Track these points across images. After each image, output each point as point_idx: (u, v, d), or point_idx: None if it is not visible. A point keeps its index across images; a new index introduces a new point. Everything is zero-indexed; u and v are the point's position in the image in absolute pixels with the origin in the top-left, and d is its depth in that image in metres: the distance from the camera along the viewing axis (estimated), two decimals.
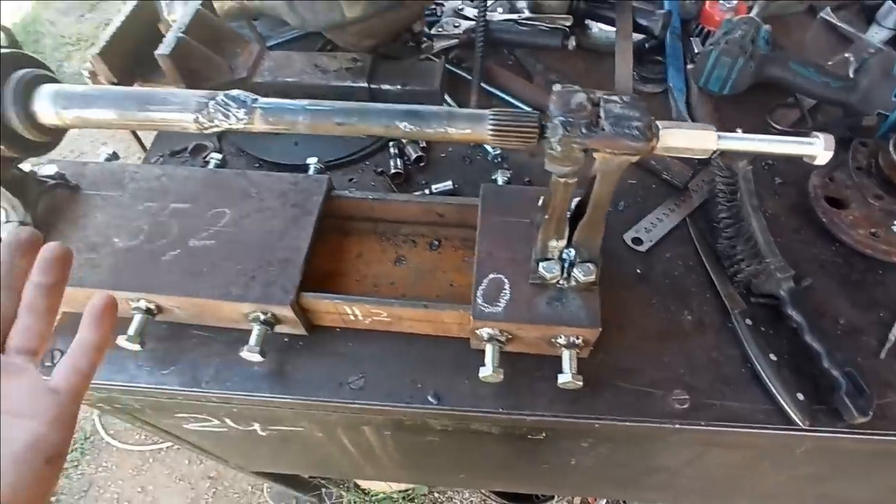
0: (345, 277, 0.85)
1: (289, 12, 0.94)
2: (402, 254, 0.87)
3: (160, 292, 0.74)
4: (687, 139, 0.55)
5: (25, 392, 0.42)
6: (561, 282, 0.71)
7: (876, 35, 1.16)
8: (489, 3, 1.13)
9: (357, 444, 0.99)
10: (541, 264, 0.70)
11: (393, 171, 0.94)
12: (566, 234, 0.69)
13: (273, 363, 0.78)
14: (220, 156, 0.92)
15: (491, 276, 0.73)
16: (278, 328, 0.78)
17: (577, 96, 0.55)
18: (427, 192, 0.93)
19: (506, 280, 0.73)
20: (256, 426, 0.93)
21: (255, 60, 1.03)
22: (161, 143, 1.05)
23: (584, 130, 0.52)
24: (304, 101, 0.57)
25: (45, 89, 0.59)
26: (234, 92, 0.57)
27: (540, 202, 0.75)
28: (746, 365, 0.77)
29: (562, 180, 0.60)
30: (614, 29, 1.14)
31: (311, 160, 0.90)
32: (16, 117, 0.58)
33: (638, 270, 0.86)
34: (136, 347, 0.75)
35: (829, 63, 1.11)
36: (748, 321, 0.79)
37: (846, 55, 1.10)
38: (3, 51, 0.59)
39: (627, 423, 0.74)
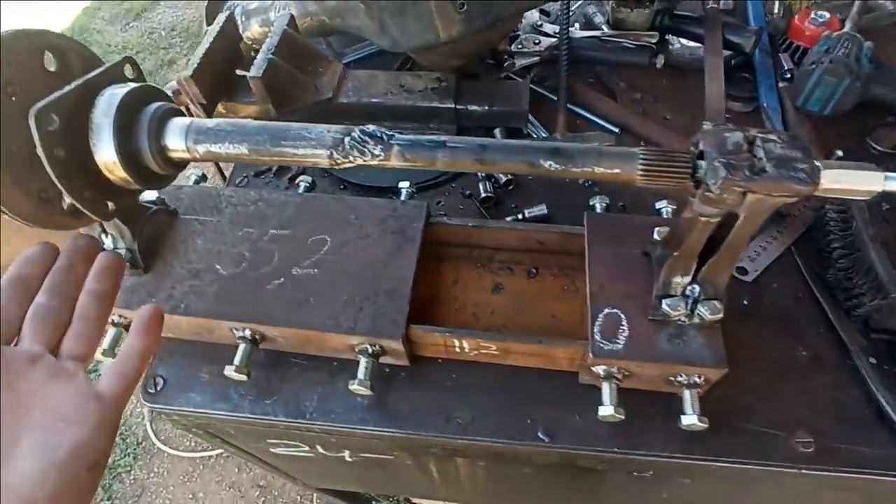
0: (444, 305, 0.83)
1: (379, 33, 0.93)
2: (499, 281, 0.85)
3: (268, 323, 0.73)
4: (850, 181, 0.52)
5: (73, 397, 0.43)
6: (682, 319, 0.68)
7: None
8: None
9: (444, 471, 0.98)
10: (664, 301, 0.67)
11: (483, 195, 0.93)
12: (693, 270, 0.66)
13: (377, 394, 0.76)
14: (309, 179, 0.92)
15: (606, 310, 0.71)
16: (381, 359, 0.76)
17: (734, 135, 0.52)
18: (520, 216, 0.91)
19: (622, 315, 0.71)
20: (346, 453, 0.92)
21: (339, 80, 1.02)
22: (243, 167, 1.04)
23: (747, 173, 0.50)
24: (444, 137, 0.55)
25: (176, 123, 0.59)
26: (370, 128, 0.56)
27: (657, 235, 0.72)
28: (871, 405, 0.74)
29: (703, 219, 0.57)
30: (695, 44, 1.11)
31: (403, 184, 0.89)
32: (147, 151, 0.57)
33: (745, 302, 0.83)
34: (243, 378, 0.74)
35: None
36: (871, 360, 0.75)
37: None
38: (134, 85, 0.58)
39: (749, 466, 0.71)
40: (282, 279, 0.76)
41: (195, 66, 0.93)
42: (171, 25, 3.36)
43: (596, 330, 0.69)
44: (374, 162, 0.56)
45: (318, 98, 0.98)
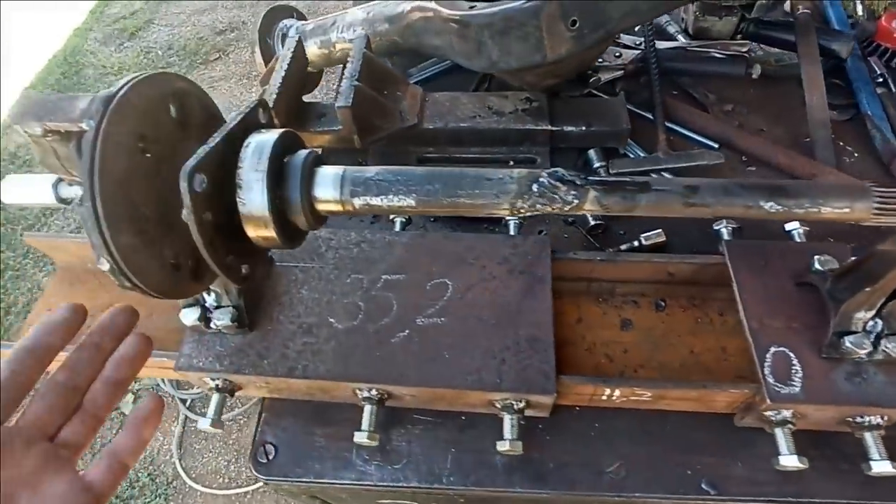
0: (572, 347, 0.77)
1: (472, 54, 0.86)
2: (626, 317, 0.79)
3: (399, 383, 0.66)
4: None
5: (62, 488, 0.41)
6: (863, 356, 0.63)
7: None
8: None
9: None
10: (846, 339, 0.62)
11: (592, 222, 0.86)
12: (878, 304, 0.60)
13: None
14: (400, 220, 0.85)
15: (773, 349, 0.65)
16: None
17: None
18: (636, 243, 0.85)
19: (791, 354, 0.65)
20: None
21: (420, 104, 0.95)
22: None
23: None
24: (647, 179, 0.49)
25: (327, 173, 0.52)
26: (559, 171, 0.49)
27: (819, 265, 0.67)
28: None
29: None
30: (778, 51, 1.07)
31: (511, 218, 0.82)
32: (298, 205, 0.50)
33: None
34: (374, 444, 0.67)
35: None
36: None
37: None
38: (278, 132, 0.51)
39: None
40: (406, 331, 0.69)
41: (274, 97, 0.86)
42: (167, 44, 3.24)
43: (767, 372, 0.64)
44: (565, 209, 0.49)
45: (403, 125, 0.92)
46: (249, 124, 0.52)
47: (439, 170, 0.51)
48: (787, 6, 1.10)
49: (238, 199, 0.48)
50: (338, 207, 0.51)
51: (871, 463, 0.62)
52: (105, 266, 0.46)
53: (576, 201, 0.49)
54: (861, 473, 0.65)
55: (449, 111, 0.95)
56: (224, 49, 3.18)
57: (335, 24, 1.07)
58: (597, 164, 0.93)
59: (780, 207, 0.48)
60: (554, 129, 0.92)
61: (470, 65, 0.90)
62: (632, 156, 0.96)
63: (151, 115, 0.48)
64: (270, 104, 0.85)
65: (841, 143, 0.97)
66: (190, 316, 0.68)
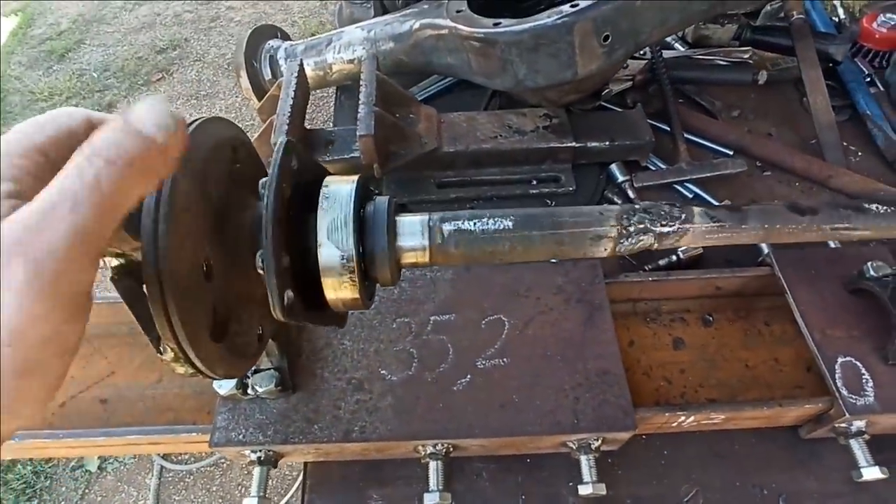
0: (630, 373, 0.74)
1: (495, 73, 0.82)
2: (676, 335, 0.77)
3: (469, 435, 0.61)
4: None
5: None
6: None
7: None
8: None
9: None
10: None
11: None
12: None
13: None
14: None
15: (840, 359, 0.65)
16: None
17: None
18: (674, 257, 0.83)
19: (858, 363, 0.65)
20: None
21: (437, 126, 0.90)
22: None
23: None
24: (756, 207, 0.47)
25: (411, 221, 0.46)
26: (652, 205, 0.46)
27: (873, 271, 0.67)
28: None
29: None
30: (776, 56, 1.09)
31: None
32: (384, 259, 0.44)
33: None
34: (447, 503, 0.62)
35: None
36: None
37: None
38: (355, 178, 0.45)
39: None
40: (468, 376, 0.64)
41: (286, 128, 0.79)
42: (102, 66, 3.02)
43: (840, 384, 0.63)
44: (675, 227, 0.46)
45: (423, 150, 0.86)
46: (289, 169, 0.45)
47: (534, 211, 0.47)
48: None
49: (320, 261, 0.42)
50: (425, 258, 0.46)
51: None
52: (168, 355, 0.39)
53: (684, 225, 0.46)
54: None
55: (467, 132, 0.90)
56: (167, 68, 2.99)
57: (331, 45, 1.00)
58: (621, 179, 0.91)
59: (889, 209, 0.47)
60: (578, 145, 0.89)
61: (490, 83, 0.86)
62: (653, 168, 0.95)
63: (213, 164, 0.41)
64: (284, 137, 0.77)
65: (844, 144, 1.00)
66: (226, 384, 0.60)
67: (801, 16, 1.03)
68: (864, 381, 0.63)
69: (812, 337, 0.66)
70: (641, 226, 0.46)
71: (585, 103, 1.02)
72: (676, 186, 0.92)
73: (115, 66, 3.02)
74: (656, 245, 0.46)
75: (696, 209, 0.47)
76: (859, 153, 0.99)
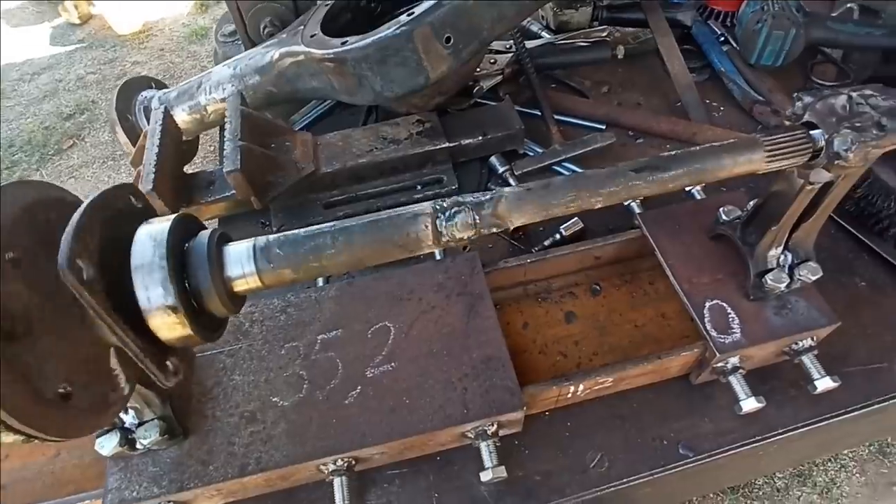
0: (526, 354, 0.76)
1: (354, 90, 0.84)
2: (568, 310, 0.80)
3: (366, 445, 0.61)
4: None
5: None
6: (783, 288, 0.68)
7: None
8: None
9: None
10: (766, 277, 0.66)
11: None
12: (785, 238, 0.65)
13: None
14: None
15: (707, 304, 0.69)
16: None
17: (837, 100, 0.52)
18: (557, 236, 0.86)
19: (724, 304, 0.68)
20: None
21: (313, 149, 0.91)
22: None
23: (875, 132, 0.49)
24: (559, 179, 0.49)
25: (236, 249, 0.47)
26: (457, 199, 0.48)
27: (725, 216, 0.71)
28: None
29: (810, 187, 0.57)
30: (632, 29, 1.15)
31: None
32: (211, 291, 0.45)
33: None
34: None
35: (834, 14, 1.19)
36: None
37: (849, 5, 1.17)
38: (170, 218, 0.45)
39: (875, 406, 0.72)
40: (358, 388, 0.65)
41: (152, 176, 0.78)
42: (8, 141, 2.91)
43: (709, 327, 0.66)
44: (488, 210, 0.48)
45: (300, 175, 0.87)
46: (118, 212, 0.46)
47: (355, 219, 0.48)
48: None
49: (140, 302, 0.42)
50: (257, 283, 0.47)
51: (815, 382, 0.66)
52: None
53: (490, 207, 0.48)
54: (808, 395, 0.70)
55: (344, 150, 0.92)
56: (77, 134, 2.91)
57: (202, 87, 1.00)
58: (501, 170, 0.94)
59: (688, 171, 0.50)
60: (452, 144, 0.92)
61: (353, 100, 0.88)
62: (531, 154, 0.98)
63: (19, 228, 0.41)
64: (150, 185, 0.77)
65: (707, 101, 1.06)
66: (108, 444, 0.59)
67: None
68: (730, 319, 0.67)
69: (681, 287, 0.70)
70: (453, 199, 0.48)
71: (460, 103, 1.05)
72: (555, 168, 0.96)
73: (20, 140, 2.92)
74: (478, 220, 0.48)
75: (506, 190, 0.49)
76: (721, 108, 1.05)
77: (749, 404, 0.65)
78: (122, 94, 1.04)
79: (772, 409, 0.71)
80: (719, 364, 0.67)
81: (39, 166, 2.84)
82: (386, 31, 0.76)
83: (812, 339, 0.68)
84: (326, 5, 0.96)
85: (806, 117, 0.53)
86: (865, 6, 1.17)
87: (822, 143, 0.52)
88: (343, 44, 0.80)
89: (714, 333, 0.66)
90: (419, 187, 0.94)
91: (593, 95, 1.06)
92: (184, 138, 1.00)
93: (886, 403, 0.71)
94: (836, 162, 0.51)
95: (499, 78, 1.06)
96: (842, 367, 0.74)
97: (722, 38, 1.14)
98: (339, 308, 0.72)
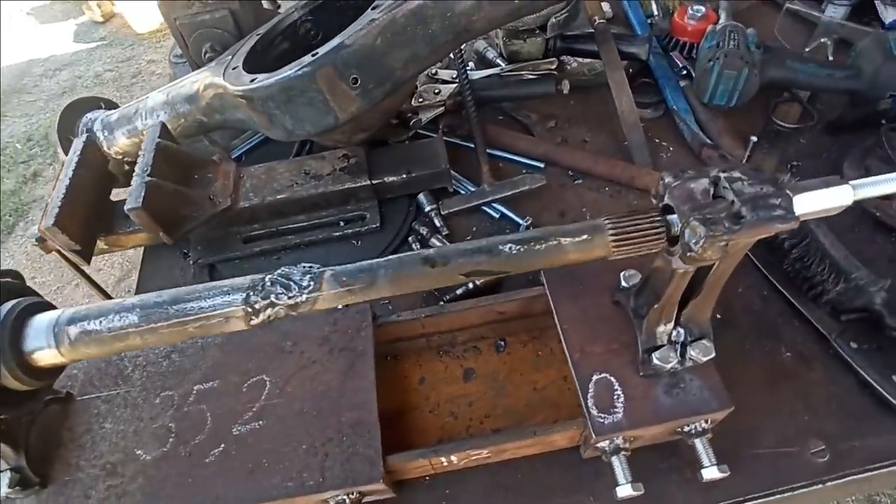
0: (416, 411, 0.74)
1: (268, 126, 0.83)
2: (468, 366, 0.77)
3: None
4: (822, 202, 0.48)
5: None
6: (675, 366, 0.63)
7: (834, 13, 1.17)
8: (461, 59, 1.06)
9: None
10: (654, 355, 0.61)
11: None
12: (674, 315, 0.61)
13: None
14: None
15: (595, 377, 0.65)
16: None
17: (699, 183, 0.47)
18: (470, 285, 0.83)
19: (612, 379, 0.64)
20: None
21: (234, 182, 0.91)
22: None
23: (727, 225, 0.45)
24: (391, 261, 0.46)
25: (40, 322, 0.46)
26: (284, 274, 0.46)
27: (624, 281, 0.67)
28: (866, 392, 0.72)
29: (682, 270, 0.52)
30: (589, 60, 1.10)
31: None
32: (3, 368, 0.44)
33: (718, 316, 0.79)
34: None
35: (807, 50, 1.11)
36: (852, 343, 0.74)
37: (822, 40, 1.10)
38: None
39: (775, 497, 0.66)
40: (221, 445, 0.64)
41: (56, 210, 0.79)
42: (25, 136, 3.03)
43: (590, 404, 0.63)
44: (303, 297, 0.46)
45: (216, 209, 0.86)
46: None
47: (161, 296, 0.46)
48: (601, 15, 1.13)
49: None
50: (59, 358, 0.46)
51: (703, 471, 0.62)
52: None
53: (313, 294, 0.46)
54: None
55: (265, 184, 0.90)
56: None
57: (138, 112, 1.00)
58: (427, 208, 0.91)
59: (520, 248, 0.47)
60: (374, 182, 0.89)
61: (271, 135, 0.87)
62: (462, 192, 0.95)
63: None
64: (51, 220, 0.77)
65: (657, 140, 1.01)
66: None
67: (602, 21, 1.04)
68: (615, 397, 0.63)
69: (571, 357, 0.66)
70: (267, 301, 0.45)
71: (399, 134, 1.02)
72: (484, 208, 0.92)
73: (38, 135, 3.03)
74: (293, 314, 0.46)
75: (328, 274, 0.47)
76: (670, 149, 0.99)
77: (623, 490, 0.61)
78: (66, 116, 1.05)
79: (661, 495, 0.66)
80: (600, 444, 0.63)
81: (52, 162, 2.94)
82: (289, 70, 0.74)
83: (706, 421, 0.63)
84: (258, 35, 0.94)
85: (666, 199, 0.49)
86: (844, 40, 1.10)
87: (678, 229, 0.48)
88: (252, 80, 0.79)
89: (594, 412, 0.62)
90: (342, 223, 0.92)
91: (539, 130, 1.02)
92: (127, 160, 1.00)
93: (790, 494, 0.66)
94: (688, 254, 0.46)
95: (441, 109, 1.03)
96: (749, 449, 0.69)
97: (684, 72, 1.08)
98: (223, 356, 0.71)
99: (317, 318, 0.73)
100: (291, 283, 0.46)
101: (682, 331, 0.62)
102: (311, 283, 0.46)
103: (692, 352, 0.62)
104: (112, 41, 3.54)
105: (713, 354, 0.62)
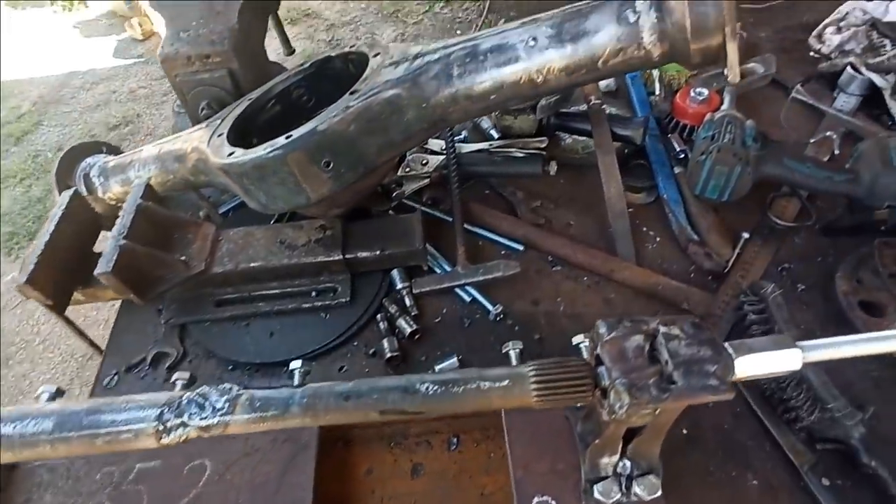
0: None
1: (246, 197, 0.84)
2: (417, 461, 0.75)
3: None
4: (767, 366, 0.46)
5: None
6: (619, 500, 0.60)
7: (845, 103, 1.14)
8: (456, 127, 1.06)
9: None
10: (595, 487, 0.59)
11: (389, 354, 0.83)
12: (619, 449, 0.58)
13: None
14: (186, 375, 0.79)
15: (536, 499, 0.62)
16: None
17: (632, 340, 0.45)
18: (432, 372, 0.81)
19: (554, 503, 0.62)
20: None
21: (212, 245, 0.91)
22: (113, 357, 0.90)
23: (654, 392, 0.43)
24: (308, 390, 0.46)
25: None
26: (201, 394, 0.45)
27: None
28: None
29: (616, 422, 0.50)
30: (586, 138, 1.09)
31: (295, 365, 0.78)
32: None
33: (684, 431, 0.76)
34: None
35: (812, 141, 1.08)
36: (824, 480, 0.69)
37: (828, 134, 1.06)
38: None
39: None
40: None
41: (31, 268, 0.80)
42: (57, 145, 3.15)
43: None
44: (215, 420, 0.45)
45: (189, 273, 0.87)
46: None
47: (78, 407, 0.46)
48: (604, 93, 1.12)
49: None
50: None
51: None
52: None
53: (225, 417, 0.45)
54: None
55: (241, 250, 0.91)
56: (118, 144, 3.09)
57: (132, 163, 1.03)
58: (400, 286, 0.91)
59: (438, 388, 0.45)
60: (347, 257, 0.89)
61: (249, 204, 0.87)
62: (437, 270, 0.94)
63: None
64: (24, 277, 0.79)
65: (644, 229, 0.98)
66: None
67: (597, 101, 1.03)
68: None
69: (514, 474, 0.64)
70: (179, 420, 0.45)
71: (382, 204, 1.02)
72: (457, 290, 0.91)
73: (68, 146, 3.14)
74: (204, 435, 0.45)
75: (243, 398, 0.46)
76: (657, 239, 0.97)
77: None
78: (66, 159, 1.09)
79: None
80: None
81: None
82: (262, 151, 0.75)
83: None
84: (249, 100, 0.96)
85: (598, 350, 0.47)
86: (852, 132, 1.06)
87: (607, 383, 0.46)
88: (230, 155, 0.80)
89: None
90: (314, 294, 0.92)
91: (523, 210, 1.01)
92: (120, 205, 1.02)
93: None
94: (612, 416, 0.44)
95: (426, 181, 1.03)
96: None
97: (682, 155, 1.05)
98: None
99: None
100: (207, 403, 0.45)
101: (628, 463, 0.59)
102: (226, 405, 0.45)
103: (637, 488, 0.59)
104: (149, 59, 3.67)
105: (659, 493, 0.59)
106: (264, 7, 1.31)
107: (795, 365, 0.46)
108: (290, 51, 1.68)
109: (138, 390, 0.86)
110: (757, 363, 0.46)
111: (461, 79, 0.72)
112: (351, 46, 0.92)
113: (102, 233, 1.00)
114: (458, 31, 3.47)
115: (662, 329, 0.46)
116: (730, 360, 0.45)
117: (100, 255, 0.93)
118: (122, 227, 0.83)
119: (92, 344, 1.02)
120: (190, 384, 0.79)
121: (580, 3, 0.68)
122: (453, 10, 3.59)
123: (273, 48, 1.41)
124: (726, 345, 0.46)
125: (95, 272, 0.78)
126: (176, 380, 0.79)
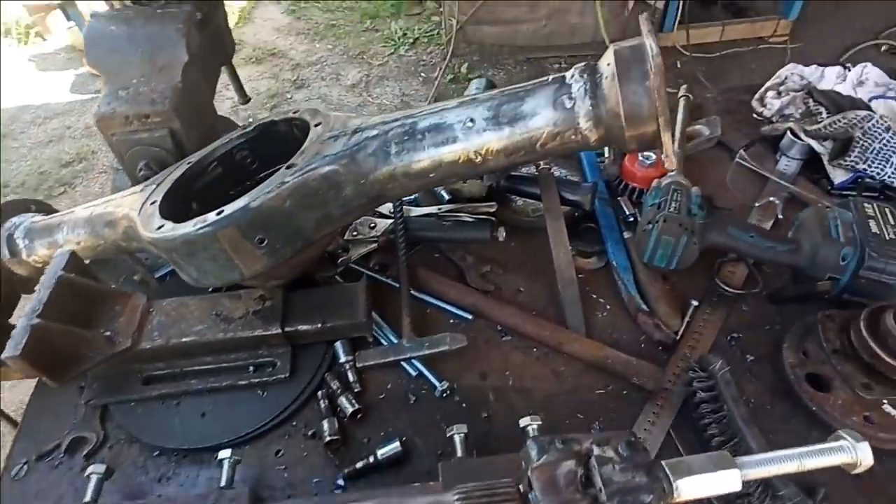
0: None
1: (177, 269, 0.79)
2: None
3: None
4: (708, 488, 0.43)
5: None
6: None
7: (787, 167, 1.17)
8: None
9: None
10: None
11: (329, 437, 0.78)
12: None
13: None
14: (102, 467, 0.72)
15: None
16: None
17: (564, 466, 0.43)
18: (371, 458, 0.76)
19: None
20: None
21: (141, 319, 0.86)
22: (25, 442, 0.83)
23: None
24: None
25: None
26: None
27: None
28: None
29: None
30: (535, 202, 1.08)
31: (224, 454, 0.72)
32: None
33: None
34: None
35: (757, 205, 1.10)
36: None
37: (771, 199, 1.09)
38: None
39: None
40: None
41: None
42: (4, 182, 3.01)
43: None
44: None
45: (114, 350, 0.81)
46: None
47: None
48: None
49: None
50: None
51: None
52: None
53: None
54: None
55: (174, 322, 0.86)
56: (70, 182, 3.00)
57: (61, 225, 0.97)
58: (343, 359, 0.86)
59: None
60: (287, 330, 0.84)
61: (182, 277, 0.82)
62: (383, 341, 0.90)
63: None
64: None
65: (594, 296, 0.97)
66: None
67: (546, 166, 1.03)
68: None
69: None
70: None
71: (328, 270, 0.98)
72: (403, 364, 0.87)
73: (14, 183, 3.02)
74: None
75: None
76: (608, 307, 0.96)
77: None
78: None
79: None
80: None
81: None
82: (191, 227, 0.71)
83: None
84: (189, 163, 0.92)
85: (528, 474, 0.44)
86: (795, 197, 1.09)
87: None
88: (158, 229, 0.75)
89: None
90: (251, 369, 0.86)
91: (472, 275, 0.98)
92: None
93: None
94: None
95: (374, 245, 1.00)
96: None
97: (631, 219, 1.05)
98: None
99: (190, 500, 0.66)
100: None
101: None
102: None
103: None
104: None
105: None
106: (216, 61, 1.28)
107: (735, 486, 0.44)
108: (246, 100, 1.65)
109: (51, 482, 0.78)
110: (698, 486, 0.44)
111: (399, 156, 0.70)
112: (294, 112, 0.89)
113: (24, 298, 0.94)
114: (423, 75, 3.51)
115: (596, 451, 0.43)
116: (668, 486, 0.42)
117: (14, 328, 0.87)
118: (38, 302, 0.77)
119: (9, 419, 0.93)
120: (107, 477, 0.73)
121: (517, 85, 0.67)
122: (418, 53, 3.65)
123: (228, 95, 1.37)
124: (664, 464, 0.44)
125: (3, 356, 0.72)
126: (91, 473, 0.73)
